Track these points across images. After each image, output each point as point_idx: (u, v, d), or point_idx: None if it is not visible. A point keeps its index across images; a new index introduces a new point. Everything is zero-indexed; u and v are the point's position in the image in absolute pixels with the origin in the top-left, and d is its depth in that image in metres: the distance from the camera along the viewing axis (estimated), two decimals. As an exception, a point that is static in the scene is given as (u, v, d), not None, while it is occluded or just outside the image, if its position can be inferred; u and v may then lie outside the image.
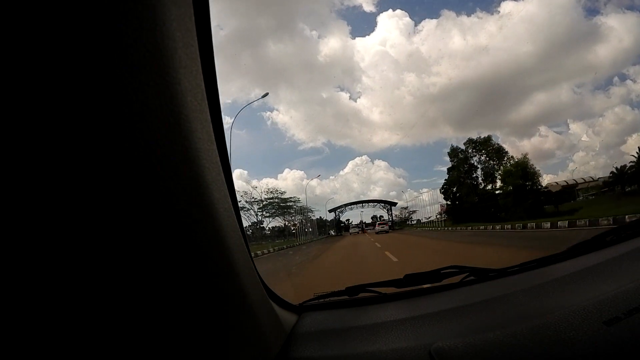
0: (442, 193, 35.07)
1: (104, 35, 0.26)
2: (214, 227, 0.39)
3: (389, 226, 40.66)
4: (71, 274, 0.27)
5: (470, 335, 0.62)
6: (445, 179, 35.44)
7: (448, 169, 35.36)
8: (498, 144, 32.25)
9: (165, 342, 0.35)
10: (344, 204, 53.12)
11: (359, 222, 55.86)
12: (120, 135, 0.27)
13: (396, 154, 62.19)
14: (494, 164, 31.79)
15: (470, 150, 33.67)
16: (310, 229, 46.02)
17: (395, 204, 52.17)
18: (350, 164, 63.88)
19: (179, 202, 0.33)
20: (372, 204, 53.52)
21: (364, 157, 64.05)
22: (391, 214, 52.28)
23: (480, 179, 32.89)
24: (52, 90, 0.24)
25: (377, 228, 37.07)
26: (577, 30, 37.84)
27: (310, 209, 46.15)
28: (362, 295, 0.98)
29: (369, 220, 58.32)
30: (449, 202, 34.19)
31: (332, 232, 50.76)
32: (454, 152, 34.47)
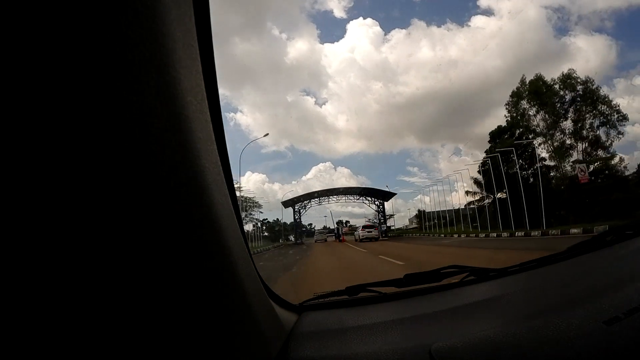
0: (481, 172, 22.97)
1: (104, 36, 0.26)
2: (214, 227, 0.39)
3: (381, 231, 28.02)
4: (70, 273, 0.27)
5: (470, 335, 0.62)
6: (487, 150, 22.35)
7: (494, 133, 22.38)
8: (589, 80, 18.76)
9: (164, 342, 0.35)
10: (308, 193, 38.32)
11: (322, 227, 45.61)
12: (120, 136, 0.27)
13: (359, 162, 61.34)
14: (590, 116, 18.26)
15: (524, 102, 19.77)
16: (265, 234, 37.18)
17: (392, 195, 37.71)
18: (314, 170, 62.59)
19: (179, 202, 0.33)
20: (351, 197, 38.54)
21: (328, 164, 62.60)
22: (383, 211, 37.74)
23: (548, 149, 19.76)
24: (52, 91, 0.24)
25: (361, 233, 24.89)
26: (546, 48, 37.43)
27: (255, 202, 34.33)
28: (362, 295, 0.99)
29: (331, 226, 45.73)
30: (480, 198, 22.61)
31: (292, 238, 38.64)
32: (532, 89, 19.52)
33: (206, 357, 0.41)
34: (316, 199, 39.53)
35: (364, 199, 39.85)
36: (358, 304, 0.94)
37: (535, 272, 0.98)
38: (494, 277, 1.00)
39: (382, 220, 37.16)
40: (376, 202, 39.42)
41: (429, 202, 34.43)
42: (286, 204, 37.54)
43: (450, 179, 28.68)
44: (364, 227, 26.76)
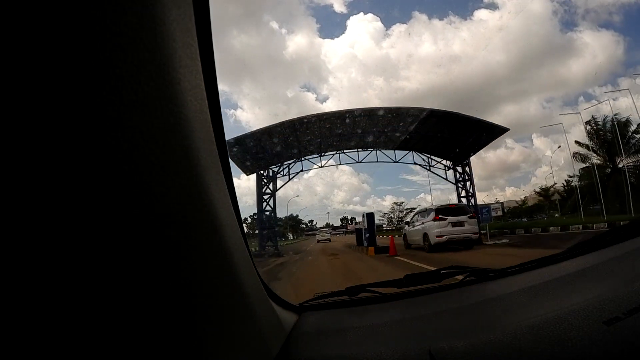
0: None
1: (104, 35, 0.25)
2: (214, 227, 0.39)
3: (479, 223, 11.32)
4: (70, 275, 0.27)
5: (470, 335, 0.62)
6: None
7: None
8: None
9: (164, 342, 0.35)
10: (293, 122, 15.77)
11: (324, 225, 38.23)
12: (119, 136, 0.27)
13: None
14: None
15: None
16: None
17: (494, 135, 16.36)
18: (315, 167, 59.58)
19: (178, 202, 0.33)
20: (385, 154, 18.64)
21: (330, 161, 60.03)
22: (471, 179, 17.36)
23: None
24: (50, 91, 0.24)
25: (435, 230, 9.37)
26: (552, 43, 36.30)
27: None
28: (362, 296, 0.99)
29: (335, 223, 40.70)
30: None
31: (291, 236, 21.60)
32: None
33: (206, 357, 0.41)
34: (312, 158, 18.27)
35: (417, 155, 18.50)
36: (358, 304, 0.94)
37: (535, 272, 0.98)
38: (494, 278, 1.00)
39: (472, 198, 16.56)
40: (442, 163, 18.36)
41: (430, 200, 31.97)
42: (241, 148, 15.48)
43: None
44: (443, 211, 10.08)
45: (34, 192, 0.24)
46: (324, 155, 19.24)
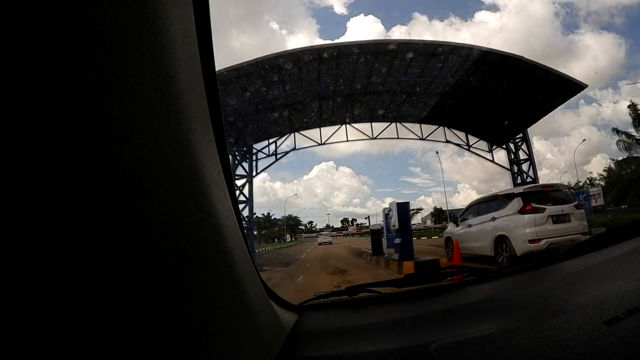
0: None
1: (104, 35, 0.25)
2: (214, 227, 0.39)
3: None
4: (69, 273, 0.27)
5: (470, 335, 0.62)
6: None
7: None
8: None
9: (164, 342, 0.35)
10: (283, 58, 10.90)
11: (324, 226, 36.69)
12: (120, 136, 0.27)
13: (361, 161, 60.74)
14: None
15: None
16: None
17: (575, 87, 12.33)
18: (316, 169, 59.36)
19: (178, 202, 0.33)
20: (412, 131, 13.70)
21: (330, 163, 59.59)
22: (530, 161, 13.28)
23: None
24: (50, 92, 0.24)
25: (526, 229, 5.10)
26: (553, 45, 35.56)
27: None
28: (362, 295, 0.99)
29: (336, 225, 39.51)
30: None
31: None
32: None
33: (207, 357, 0.41)
34: (308, 131, 13.65)
35: (447, 132, 14.29)
36: (358, 304, 0.94)
37: (535, 272, 0.98)
38: (494, 278, 1.00)
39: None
40: (486, 140, 14.35)
41: (431, 203, 30.76)
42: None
43: (454, 180, 25.08)
44: (534, 196, 5.53)
45: (34, 192, 0.24)
46: (324, 126, 13.26)
